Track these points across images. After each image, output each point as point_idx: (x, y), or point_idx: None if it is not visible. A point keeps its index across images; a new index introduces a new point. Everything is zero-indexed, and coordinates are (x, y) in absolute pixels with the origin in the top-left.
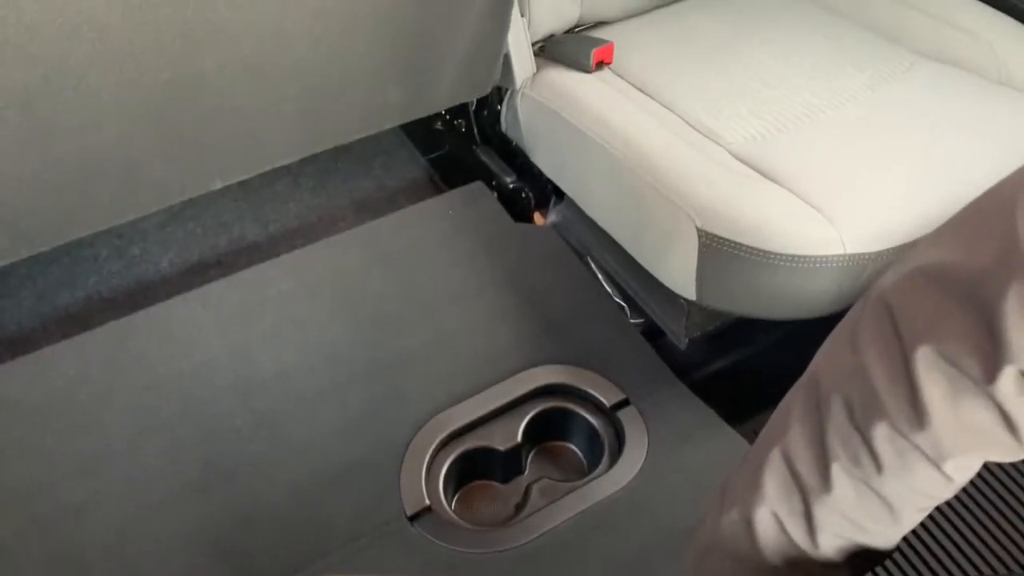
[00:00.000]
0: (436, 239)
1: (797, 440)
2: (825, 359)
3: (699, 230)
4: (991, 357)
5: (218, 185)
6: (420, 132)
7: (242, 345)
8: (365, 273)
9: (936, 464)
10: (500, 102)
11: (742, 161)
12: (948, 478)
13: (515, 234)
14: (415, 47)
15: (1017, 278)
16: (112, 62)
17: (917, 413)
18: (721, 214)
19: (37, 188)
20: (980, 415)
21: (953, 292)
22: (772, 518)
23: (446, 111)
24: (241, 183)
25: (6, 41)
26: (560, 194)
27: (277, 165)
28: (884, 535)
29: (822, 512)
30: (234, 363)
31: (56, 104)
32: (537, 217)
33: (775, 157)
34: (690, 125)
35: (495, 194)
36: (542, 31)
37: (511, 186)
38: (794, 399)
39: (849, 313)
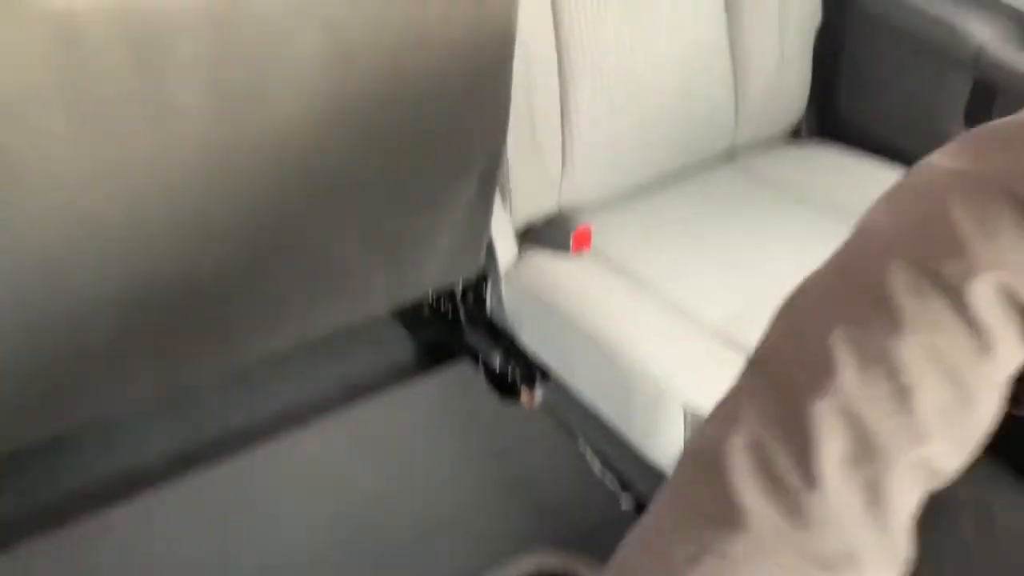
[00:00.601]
0: (423, 420)
1: (787, 340)
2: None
3: (685, 409)
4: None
5: (208, 378)
6: (407, 314)
7: (224, 541)
8: (351, 458)
9: (960, 297)
10: (485, 285)
11: (724, 339)
12: (975, 329)
13: (502, 414)
14: (401, 236)
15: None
16: (108, 262)
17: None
18: (706, 392)
19: (26, 386)
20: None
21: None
22: (752, 450)
23: (432, 294)
24: None
25: (4, 249)
26: (547, 372)
27: (267, 355)
28: (897, 447)
29: (820, 409)
30: (216, 560)
31: (49, 305)
32: (525, 395)
33: (756, 334)
34: (671, 305)
35: (482, 373)
36: (523, 217)
37: (498, 365)
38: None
39: None
